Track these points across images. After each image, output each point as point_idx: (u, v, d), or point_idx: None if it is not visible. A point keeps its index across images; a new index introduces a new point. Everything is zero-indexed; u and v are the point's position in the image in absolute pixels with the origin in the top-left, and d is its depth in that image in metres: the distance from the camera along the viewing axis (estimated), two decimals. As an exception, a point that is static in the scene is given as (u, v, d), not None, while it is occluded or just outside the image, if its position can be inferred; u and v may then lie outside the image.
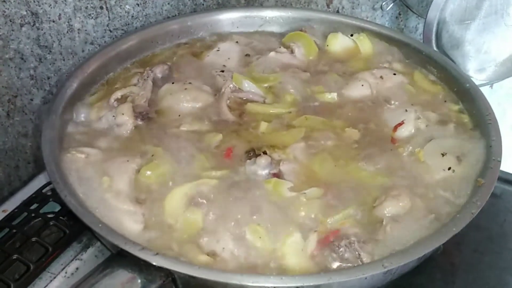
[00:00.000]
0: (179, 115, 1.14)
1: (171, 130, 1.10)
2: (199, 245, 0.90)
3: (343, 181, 1.02)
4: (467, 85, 1.19)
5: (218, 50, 1.32)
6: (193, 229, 0.93)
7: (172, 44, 1.35)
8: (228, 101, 1.18)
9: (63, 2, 1.23)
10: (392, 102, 1.20)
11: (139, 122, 1.11)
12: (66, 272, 0.98)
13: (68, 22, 1.27)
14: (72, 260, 1.00)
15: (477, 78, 1.72)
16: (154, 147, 1.05)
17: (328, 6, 1.84)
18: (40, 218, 1.05)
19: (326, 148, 1.08)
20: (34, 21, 1.21)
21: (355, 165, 1.05)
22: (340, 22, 1.40)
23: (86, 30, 1.31)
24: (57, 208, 1.06)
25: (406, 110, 1.15)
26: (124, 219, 0.92)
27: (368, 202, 0.98)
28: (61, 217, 1.04)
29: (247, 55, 1.33)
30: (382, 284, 0.91)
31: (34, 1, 1.19)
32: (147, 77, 1.21)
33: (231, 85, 1.20)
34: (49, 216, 1.05)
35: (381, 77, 1.24)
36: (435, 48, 1.65)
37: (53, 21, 1.24)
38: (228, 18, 1.41)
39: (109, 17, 1.33)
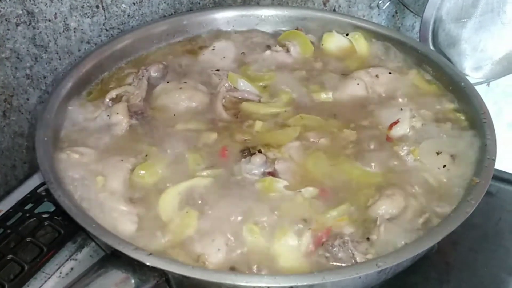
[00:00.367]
0: (174, 115, 1.14)
1: (166, 130, 1.10)
2: (193, 245, 0.90)
3: (337, 180, 1.02)
4: (463, 84, 1.19)
5: (213, 49, 1.32)
6: (187, 229, 0.92)
7: (168, 43, 1.35)
8: (224, 100, 1.18)
9: (59, 1, 1.23)
10: (388, 100, 1.20)
11: (134, 122, 1.11)
12: (61, 273, 0.98)
13: (64, 21, 1.26)
14: (67, 260, 1.00)
15: (473, 76, 1.72)
16: (149, 147, 1.06)
17: (324, 4, 1.84)
18: (34, 218, 1.04)
19: (321, 147, 1.08)
20: (30, 20, 1.21)
21: (350, 164, 1.05)
22: (336, 21, 1.40)
23: (82, 29, 1.30)
24: (52, 208, 1.06)
25: (401, 109, 1.15)
26: (118, 219, 0.92)
27: (363, 201, 0.98)
28: (55, 217, 1.04)
29: (242, 53, 1.33)
30: (376, 284, 0.91)
31: (30, 0, 1.19)
32: (142, 76, 1.21)
33: (227, 84, 1.20)
34: (44, 216, 1.05)
35: (376, 76, 1.24)
36: (431, 47, 1.65)
37: (49, 20, 1.24)
38: (224, 17, 1.41)
39: (105, 16, 1.33)
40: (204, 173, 1.01)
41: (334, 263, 0.88)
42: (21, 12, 1.18)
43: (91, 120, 1.12)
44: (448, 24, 1.63)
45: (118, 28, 1.37)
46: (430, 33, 1.63)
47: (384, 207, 0.95)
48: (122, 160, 1.02)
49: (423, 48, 1.34)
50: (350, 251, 0.88)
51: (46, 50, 1.27)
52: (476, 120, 1.11)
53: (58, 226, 1.03)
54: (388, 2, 1.94)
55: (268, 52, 1.31)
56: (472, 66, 1.72)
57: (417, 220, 0.95)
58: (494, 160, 1.01)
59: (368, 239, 0.91)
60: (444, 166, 1.03)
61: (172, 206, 0.96)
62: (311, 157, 1.06)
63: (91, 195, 0.95)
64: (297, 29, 1.39)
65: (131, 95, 1.16)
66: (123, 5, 1.35)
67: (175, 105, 1.16)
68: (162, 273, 0.82)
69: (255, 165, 1.02)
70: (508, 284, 1.08)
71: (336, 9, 1.88)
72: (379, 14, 2.05)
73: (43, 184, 1.10)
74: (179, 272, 0.81)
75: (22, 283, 0.95)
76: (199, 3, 1.49)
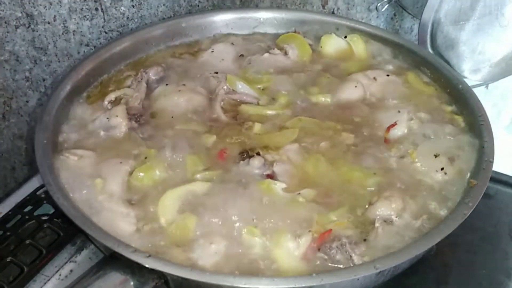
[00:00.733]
0: (173, 117, 1.14)
1: (164, 132, 1.11)
2: (192, 247, 0.90)
3: (336, 182, 1.02)
4: (460, 86, 1.20)
5: (212, 52, 1.33)
6: (186, 231, 0.93)
7: (167, 45, 1.36)
8: (222, 103, 1.19)
9: (58, 4, 1.23)
10: (385, 103, 1.20)
11: (133, 124, 1.12)
12: (60, 275, 0.99)
13: (63, 23, 1.27)
14: (66, 262, 1.00)
15: (472, 78, 1.73)
16: (148, 149, 1.06)
17: (323, 7, 1.84)
18: (34, 221, 1.05)
19: (320, 149, 1.09)
20: (29, 23, 1.21)
21: (348, 166, 1.05)
22: (335, 24, 1.40)
23: (81, 31, 1.31)
24: (51, 210, 1.06)
25: (399, 111, 1.15)
26: (117, 221, 0.93)
27: (361, 203, 0.98)
28: (55, 220, 1.05)
29: (241, 55, 1.33)
30: (374, 285, 0.91)
31: (29, 3, 1.19)
32: (141, 78, 1.21)
33: (225, 87, 1.21)
34: (43, 218, 1.05)
35: (374, 78, 1.25)
36: (430, 49, 1.65)
37: (48, 23, 1.24)
38: (222, 20, 1.41)
39: (104, 18, 1.33)
40: (203, 176, 1.01)
41: (332, 265, 0.89)
42: (20, 14, 1.19)
43: (90, 122, 1.12)
44: (447, 27, 1.64)
45: (117, 31, 1.37)
46: (428, 36, 1.64)
47: (382, 209, 0.96)
48: (121, 163, 1.02)
49: (421, 50, 1.35)
50: (347, 253, 0.88)
51: (46, 53, 1.27)
52: (474, 122, 1.12)
53: (58, 228, 1.03)
54: (387, 5, 1.94)
55: (266, 54, 1.32)
56: (470, 69, 1.73)
57: (415, 222, 0.95)
58: (492, 162, 1.01)
59: (365, 241, 0.91)
60: (442, 168, 1.03)
61: (171, 209, 0.96)
62: (309, 159, 1.06)
63: (90, 197, 0.96)
64: (295, 31, 1.39)
65: (130, 98, 1.16)
66: (122, 8, 1.35)
67: (174, 108, 1.16)
68: (161, 275, 0.83)
69: (253, 167, 1.02)
70: (506, 286, 1.09)
71: (335, 12, 1.89)
72: (377, 17, 2.06)
73: (42, 186, 1.11)
74: (178, 274, 0.81)
75: (22, 285, 0.95)
76: (198, 6, 1.49)
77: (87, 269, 0.91)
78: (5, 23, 1.18)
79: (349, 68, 1.30)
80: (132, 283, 0.83)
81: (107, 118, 1.11)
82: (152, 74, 1.23)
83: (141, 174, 1.00)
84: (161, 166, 1.02)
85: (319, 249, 0.90)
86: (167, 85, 1.21)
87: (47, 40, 1.26)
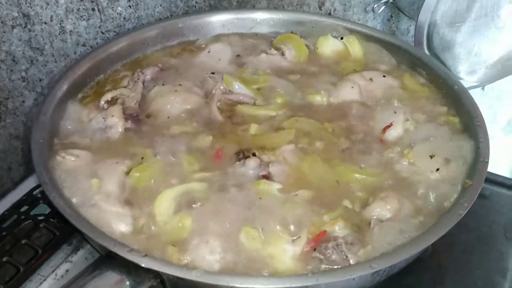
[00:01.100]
0: (169, 117, 1.14)
1: (161, 132, 1.11)
2: (188, 247, 0.90)
3: (332, 182, 1.02)
4: (456, 87, 1.20)
5: (209, 52, 1.33)
6: (182, 231, 0.93)
7: (163, 45, 1.36)
8: (219, 103, 1.19)
9: (55, 4, 1.24)
10: (382, 104, 1.20)
11: (129, 124, 1.12)
12: (56, 275, 0.98)
13: (60, 24, 1.27)
14: (62, 262, 1.00)
15: (468, 80, 1.74)
16: (144, 149, 1.06)
17: (320, 8, 1.84)
18: (30, 220, 1.04)
19: (316, 149, 1.09)
20: (26, 23, 1.21)
21: (344, 167, 1.05)
22: (331, 25, 1.41)
23: (78, 32, 1.31)
24: (47, 210, 1.06)
25: (395, 112, 1.15)
26: (113, 221, 0.93)
27: (357, 204, 0.99)
28: (51, 219, 1.04)
29: (238, 56, 1.33)
30: (370, 285, 0.91)
31: (26, 3, 1.19)
32: (138, 79, 1.21)
33: (222, 87, 1.21)
34: (39, 218, 1.05)
35: (370, 79, 1.25)
36: (426, 51, 1.66)
37: (45, 23, 1.24)
38: (219, 20, 1.41)
39: (101, 19, 1.33)
40: (199, 176, 1.01)
41: (328, 266, 0.89)
42: (17, 14, 1.19)
43: (87, 122, 1.12)
44: (443, 28, 1.64)
45: (114, 31, 1.37)
46: (425, 37, 1.65)
47: (378, 210, 0.96)
48: (117, 163, 1.02)
49: (417, 51, 1.35)
50: (343, 253, 0.89)
51: (42, 53, 1.27)
52: (469, 123, 1.12)
53: (54, 228, 1.03)
54: (383, 6, 1.95)
55: (263, 55, 1.32)
56: (466, 70, 1.74)
57: (411, 222, 0.95)
58: (487, 162, 1.02)
59: (361, 241, 0.91)
60: (438, 169, 1.04)
61: (167, 209, 0.96)
62: (305, 160, 1.06)
63: (86, 197, 0.96)
64: (292, 32, 1.39)
65: (126, 98, 1.16)
66: (119, 8, 1.35)
67: (170, 108, 1.16)
68: (157, 274, 0.83)
69: (249, 168, 1.02)
70: (502, 286, 1.09)
71: (332, 13, 1.89)
72: (374, 18, 2.06)
73: (38, 186, 1.11)
74: (174, 274, 0.81)
75: (18, 285, 0.95)
76: (195, 6, 1.50)
77: (83, 269, 0.91)
78: (2, 22, 1.17)
79: (345, 69, 1.31)
80: (128, 282, 0.83)
81: (104, 118, 1.11)
82: (149, 74, 1.23)
83: (138, 174, 1.00)
84: (157, 166, 1.02)
85: (315, 249, 0.90)
86: (163, 85, 1.21)
87: (43, 40, 1.26)
